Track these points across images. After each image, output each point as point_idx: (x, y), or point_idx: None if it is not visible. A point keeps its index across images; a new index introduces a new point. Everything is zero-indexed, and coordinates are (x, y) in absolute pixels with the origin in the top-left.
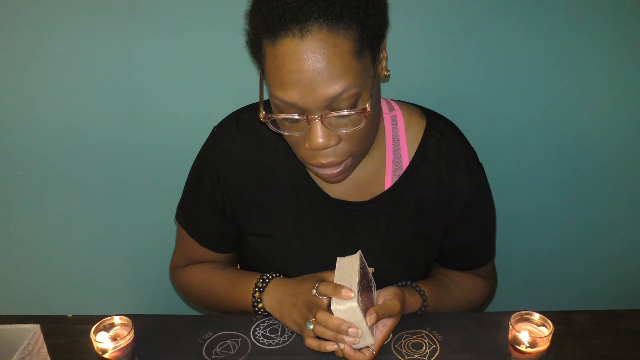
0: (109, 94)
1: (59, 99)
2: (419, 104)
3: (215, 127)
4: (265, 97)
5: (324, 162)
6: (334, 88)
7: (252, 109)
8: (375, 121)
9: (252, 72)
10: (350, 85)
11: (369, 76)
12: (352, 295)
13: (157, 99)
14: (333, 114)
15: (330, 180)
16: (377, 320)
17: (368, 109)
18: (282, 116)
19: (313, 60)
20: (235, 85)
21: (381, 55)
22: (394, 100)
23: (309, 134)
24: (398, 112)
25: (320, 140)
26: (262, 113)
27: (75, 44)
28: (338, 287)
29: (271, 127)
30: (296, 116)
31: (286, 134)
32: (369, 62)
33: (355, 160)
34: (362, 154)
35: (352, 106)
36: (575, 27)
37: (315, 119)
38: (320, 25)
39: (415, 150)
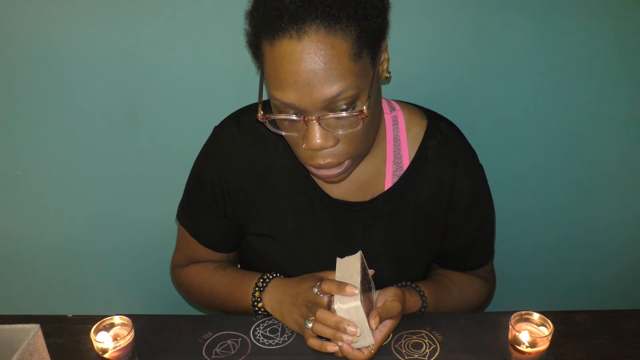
0: (109, 94)
1: (58, 98)
2: (420, 105)
3: (216, 127)
4: (265, 97)
5: (322, 162)
6: (331, 89)
7: (253, 109)
8: (374, 123)
9: (253, 72)
10: (347, 87)
11: (367, 77)
12: (357, 292)
13: (157, 98)
14: (330, 115)
15: (328, 180)
16: (380, 322)
17: (365, 111)
18: (280, 116)
19: (310, 62)
20: (236, 85)
21: (382, 56)
22: (395, 101)
23: (307, 135)
24: (399, 113)
25: (318, 141)
26: (260, 113)
27: (75, 43)
28: (342, 285)
29: (269, 126)
30: (294, 117)
31: (284, 133)
32: (367, 63)
33: (354, 161)
34: (360, 155)
35: (350, 107)
36: (576, 28)
37: (312, 120)
38: (317, 27)
39: (415, 151)
